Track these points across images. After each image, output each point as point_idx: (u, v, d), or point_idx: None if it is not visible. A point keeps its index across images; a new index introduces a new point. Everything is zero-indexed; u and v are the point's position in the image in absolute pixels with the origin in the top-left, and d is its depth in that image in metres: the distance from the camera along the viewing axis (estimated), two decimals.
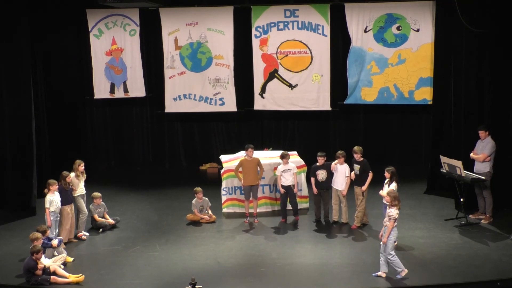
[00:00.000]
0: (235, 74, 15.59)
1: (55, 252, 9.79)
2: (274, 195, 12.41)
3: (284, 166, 11.61)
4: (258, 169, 11.68)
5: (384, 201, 10.22)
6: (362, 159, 11.13)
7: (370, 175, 11.02)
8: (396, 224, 8.92)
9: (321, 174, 11.46)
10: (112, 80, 15.91)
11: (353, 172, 11.25)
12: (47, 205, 10.29)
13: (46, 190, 10.47)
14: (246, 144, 11.93)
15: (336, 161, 11.40)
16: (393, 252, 8.94)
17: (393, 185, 10.09)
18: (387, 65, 14.97)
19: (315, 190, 11.56)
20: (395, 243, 9.19)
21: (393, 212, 8.87)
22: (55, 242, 9.66)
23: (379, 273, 9.04)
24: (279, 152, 12.92)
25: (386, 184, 10.21)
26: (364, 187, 11.02)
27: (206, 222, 11.79)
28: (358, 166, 11.12)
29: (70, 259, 9.93)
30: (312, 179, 11.55)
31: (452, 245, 10.29)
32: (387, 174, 10.19)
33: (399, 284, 8.80)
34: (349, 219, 11.49)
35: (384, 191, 10.19)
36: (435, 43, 13.89)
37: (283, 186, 11.60)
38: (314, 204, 11.76)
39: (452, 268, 9.29)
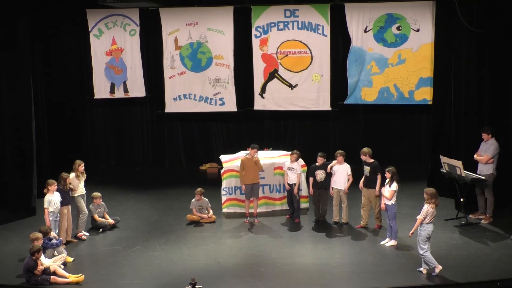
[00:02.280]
0: (235, 74, 15.59)
1: (55, 252, 9.79)
2: (274, 195, 12.41)
3: (290, 164, 11.64)
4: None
5: (385, 201, 10.23)
6: (372, 160, 11.02)
7: (379, 177, 10.88)
8: (428, 221, 8.97)
9: (320, 174, 11.47)
10: (112, 80, 15.91)
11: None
12: (45, 205, 10.30)
13: (45, 190, 10.47)
14: (251, 144, 11.82)
15: (334, 162, 11.40)
16: (425, 247, 8.97)
17: (394, 185, 10.10)
18: (387, 65, 14.96)
19: (311, 190, 11.60)
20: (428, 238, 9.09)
21: (425, 208, 8.99)
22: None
23: (421, 269, 9.13)
24: (279, 152, 13.00)
25: (386, 184, 10.22)
26: (377, 191, 10.88)
27: (206, 222, 11.80)
28: (368, 168, 11.02)
29: (70, 259, 9.93)
30: (311, 179, 11.56)
31: (452, 245, 10.29)
32: (387, 175, 10.20)
33: (399, 284, 8.80)
34: (349, 219, 11.48)
35: (385, 191, 10.21)
36: (435, 43, 13.89)
37: (288, 183, 11.64)
38: (313, 204, 11.77)
39: (452, 268, 9.29)
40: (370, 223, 11.33)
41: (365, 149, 11.13)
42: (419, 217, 9.02)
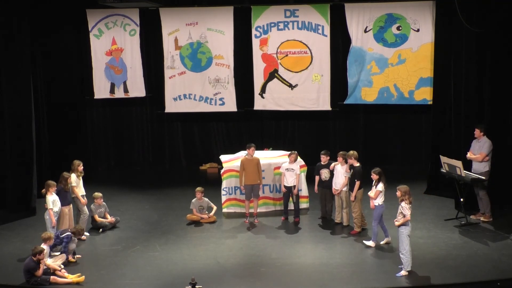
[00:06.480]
0: (235, 74, 15.59)
1: (56, 252, 9.82)
2: (274, 195, 12.41)
3: (289, 165, 11.63)
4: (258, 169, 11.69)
5: (372, 202, 10.19)
6: (357, 164, 10.93)
7: (357, 183, 10.80)
8: (405, 219, 8.98)
9: (324, 173, 11.48)
10: (112, 80, 15.91)
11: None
12: (50, 206, 10.28)
13: (43, 191, 10.47)
14: (247, 143, 11.87)
15: (336, 162, 11.39)
16: (407, 248, 8.99)
17: (380, 186, 10.06)
18: (387, 65, 14.96)
19: (315, 188, 11.60)
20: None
21: (403, 206, 8.98)
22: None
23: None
24: (279, 152, 12.99)
25: (374, 185, 10.19)
26: (352, 196, 10.91)
27: (206, 222, 11.80)
28: (350, 171, 11.07)
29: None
30: (316, 178, 11.58)
31: (452, 245, 10.29)
32: (374, 176, 10.14)
33: (399, 284, 8.80)
34: (349, 221, 11.47)
35: (372, 193, 10.17)
36: (435, 43, 13.88)
37: (285, 186, 11.63)
38: (319, 203, 11.82)
39: (452, 268, 9.30)
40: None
41: (351, 152, 11.02)
42: (407, 217, 8.98)
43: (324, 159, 11.51)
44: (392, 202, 10.92)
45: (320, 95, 15.39)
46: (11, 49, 12.51)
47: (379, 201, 10.13)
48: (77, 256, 10.00)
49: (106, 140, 16.78)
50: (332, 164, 11.39)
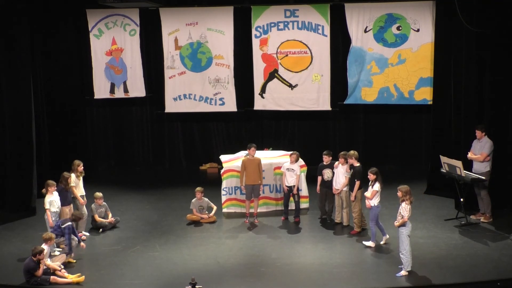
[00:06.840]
0: (235, 74, 15.58)
1: (56, 251, 9.81)
2: (275, 195, 12.41)
3: (290, 165, 11.64)
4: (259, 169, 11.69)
5: (368, 202, 10.20)
6: (357, 164, 10.92)
7: (357, 183, 10.79)
8: (407, 218, 8.99)
9: (327, 173, 11.48)
10: (112, 80, 15.91)
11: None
12: (47, 206, 10.29)
13: (43, 191, 10.48)
14: (247, 144, 11.88)
15: (337, 162, 11.39)
16: (407, 248, 8.99)
17: (376, 186, 10.06)
18: (387, 65, 14.96)
19: (318, 189, 11.61)
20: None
21: (404, 206, 8.98)
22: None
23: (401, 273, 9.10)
24: (280, 152, 13.00)
25: (370, 185, 10.19)
26: (352, 196, 10.91)
27: (206, 222, 11.80)
28: (350, 171, 11.07)
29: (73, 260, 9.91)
30: (319, 178, 11.58)
31: (452, 245, 10.29)
32: (371, 176, 10.15)
33: (399, 284, 8.80)
34: (349, 221, 11.46)
35: (369, 193, 10.16)
36: (435, 43, 13.88)
37: (286, 186, 11.64)
38: (319, 202, 11.80)
39: (452, 268, 9.30)
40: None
41: (351, 152, 11.04)
42: (405, 218, 8.99)
43: (326, 159, 11.52)
44: (392, 202, 10.94)
45: (320, 95, 15.39)
46: (11, 49, 12.51)
47: (375, 201, 10.11)
48: (82, 244, 10.03)
49: (106, 140, 16.78)
50: (336, 163, 11.36)
